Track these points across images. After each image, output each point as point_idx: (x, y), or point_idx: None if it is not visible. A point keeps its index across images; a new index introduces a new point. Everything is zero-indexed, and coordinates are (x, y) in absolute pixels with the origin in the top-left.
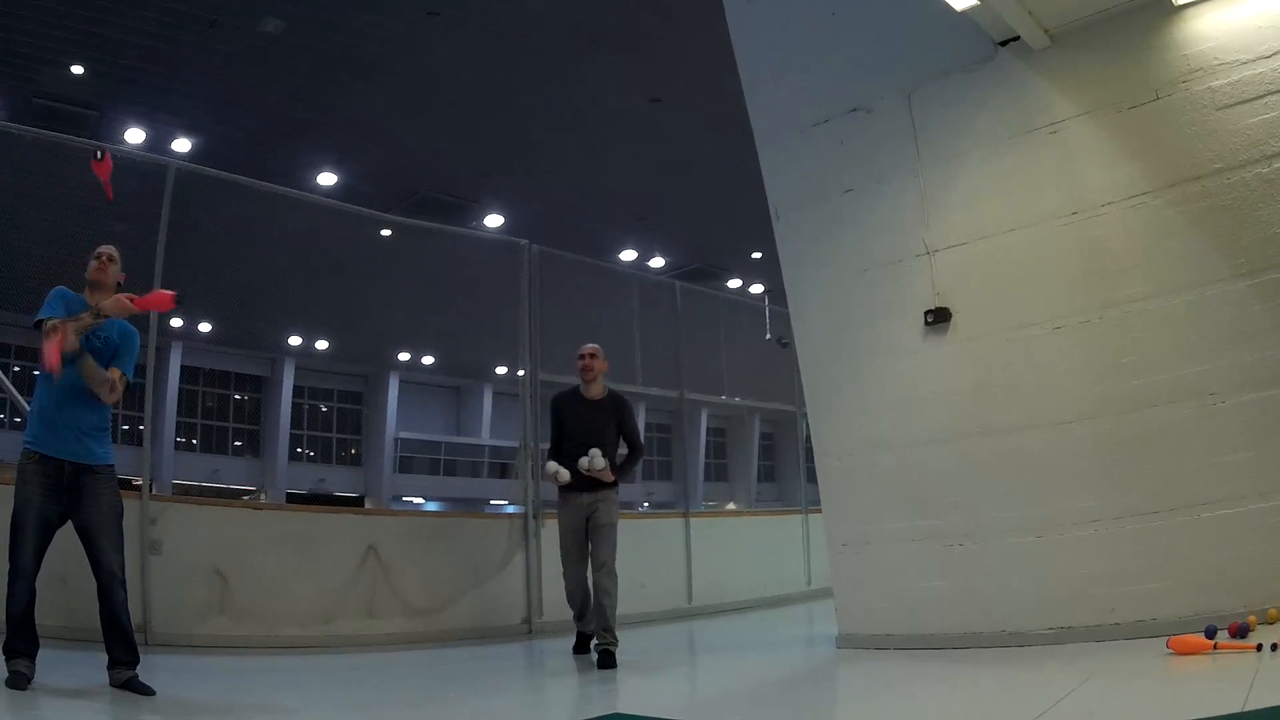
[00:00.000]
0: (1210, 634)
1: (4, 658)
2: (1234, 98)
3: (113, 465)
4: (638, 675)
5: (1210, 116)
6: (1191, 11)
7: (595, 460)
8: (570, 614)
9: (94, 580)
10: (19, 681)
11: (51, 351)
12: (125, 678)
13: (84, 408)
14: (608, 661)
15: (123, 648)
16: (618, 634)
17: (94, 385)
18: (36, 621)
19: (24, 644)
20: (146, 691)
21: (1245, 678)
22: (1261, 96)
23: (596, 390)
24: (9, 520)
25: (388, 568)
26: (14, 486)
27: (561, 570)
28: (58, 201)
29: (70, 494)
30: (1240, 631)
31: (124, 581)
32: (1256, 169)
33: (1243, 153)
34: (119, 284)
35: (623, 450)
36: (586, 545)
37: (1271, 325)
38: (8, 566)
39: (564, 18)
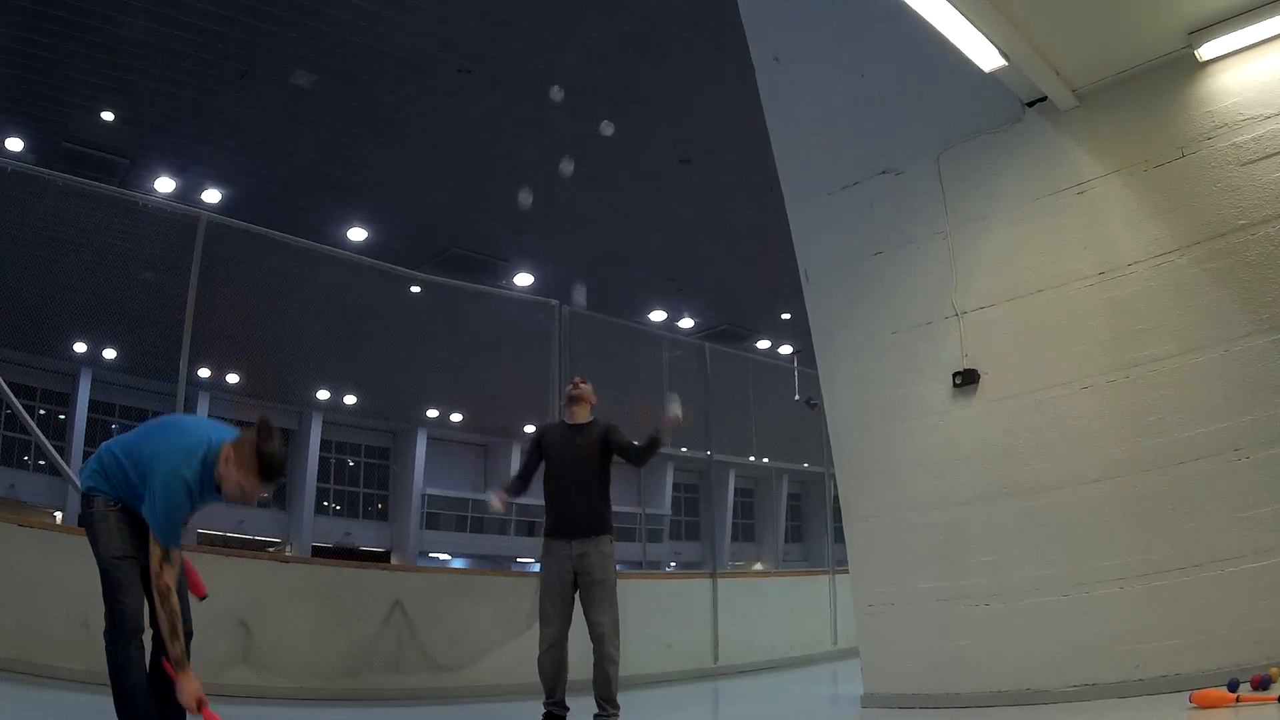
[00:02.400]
0: (1233, 687)
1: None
2: (1258, 153)
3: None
4: None
5: (1234, 172)
6: (1216, 66)
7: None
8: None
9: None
10: None
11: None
12: None
13: None
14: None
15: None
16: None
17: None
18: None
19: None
20: None
21: None
22: None
23: (582, 416)
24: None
25: (413, 623)
26: (95, 538)
27: (540, 631)
28: (88, 246)
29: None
30: (1262, 683)
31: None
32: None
33: (1266, 207)
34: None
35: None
36: (570, 604)
37: None
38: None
39: (595, 78)
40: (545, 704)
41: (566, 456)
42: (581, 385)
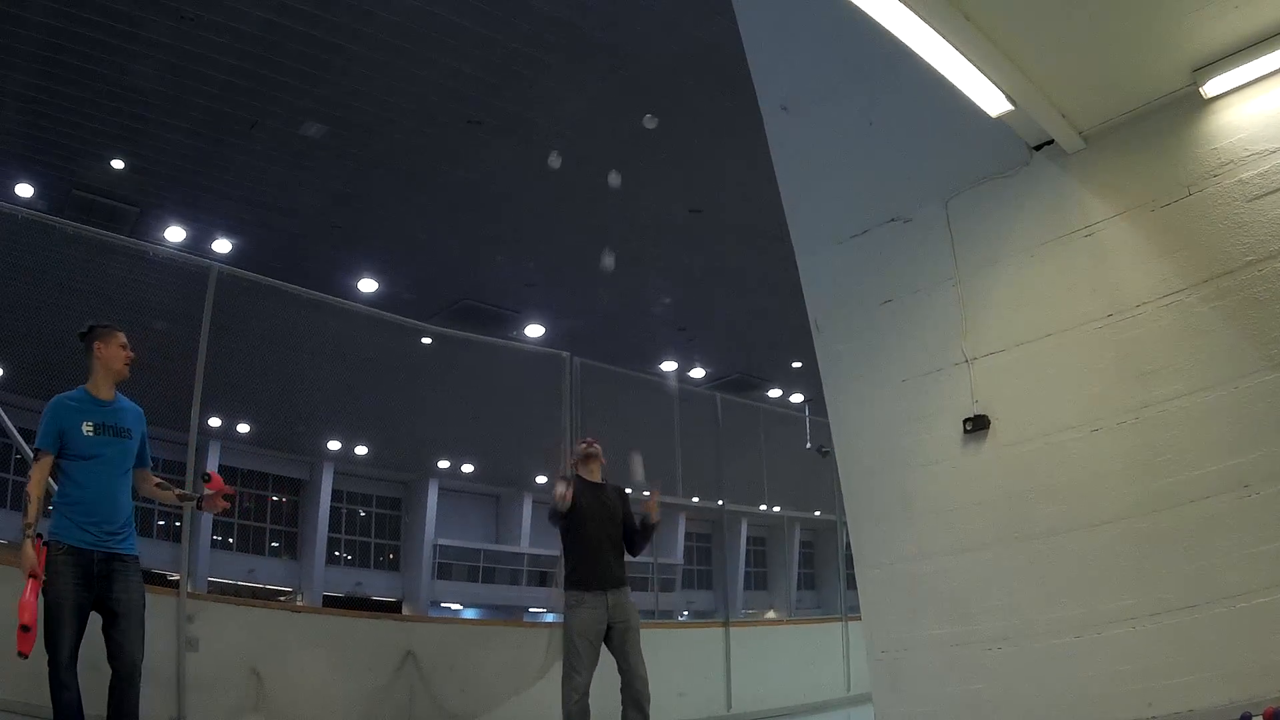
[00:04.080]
0: None
1: None
2: (1264, 188)
3: (138, 556)
4: None
5: (1241, 209)
6: (1221, 103)
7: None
8: None
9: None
10: None
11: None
12: None
13: (116, 505)
14: None
15: None
16: None
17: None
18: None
19: None
20: None
21: None
22: None
23: (597, 475)
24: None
25: (425, 673)
26: (46, 581)
27: (565, 679)
28: (98, 295)
29: (102, 582)
30: (1275, 716)
31: (140, 673)
32: None
33: (1273, 243)
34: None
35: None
36: (599, 653)
37: None
38: (48, 660)
39: (605, 129)
40: None
41: (597, 512)
42: (595, 444)
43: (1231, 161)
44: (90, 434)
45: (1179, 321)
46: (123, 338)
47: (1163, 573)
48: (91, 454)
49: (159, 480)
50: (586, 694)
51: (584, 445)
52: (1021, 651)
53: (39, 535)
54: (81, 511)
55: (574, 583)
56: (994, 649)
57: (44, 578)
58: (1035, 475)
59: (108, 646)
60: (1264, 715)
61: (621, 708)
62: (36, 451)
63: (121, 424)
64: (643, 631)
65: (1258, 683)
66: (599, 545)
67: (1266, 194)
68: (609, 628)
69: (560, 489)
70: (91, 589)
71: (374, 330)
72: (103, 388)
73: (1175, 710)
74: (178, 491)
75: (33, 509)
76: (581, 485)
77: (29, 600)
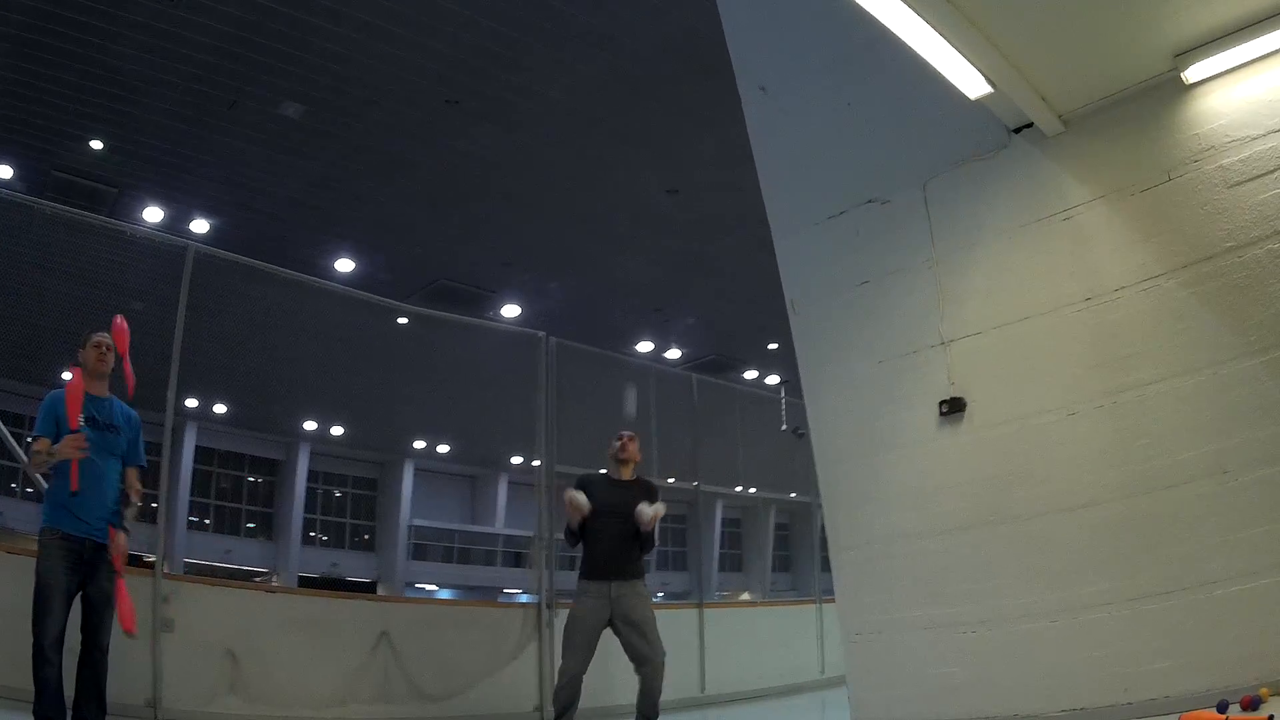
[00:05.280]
0: (1222, 709)
1: None
2: (1245, 174)
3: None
4: None
5: (1221, 195)
6: (1203, 89)
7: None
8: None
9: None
10: None
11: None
12: None
13: (104, 496)
14: None
15: (94, 707)
16: None
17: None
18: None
19: (56, 710)
20: None
21: None
22: (1272, 171)
23: (628, 474)
24: (29, 592)
25: (400, 654)
26: (36, 562)
27: (563, 663)
28: (77, 276)
29: (89, 568)
30: (1252, 704)
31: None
32: (1268, 245)
33: (1254, 229)
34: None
35: None
36: (596, 642)
37: None
38: (32, 639)
39: (583, 111)
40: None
41: (613, 505)
42: (630, 445)
43: (1212, 147)
44: (82, 425)
45: (1158, 306)
46: (96, 338)
47: (1141, 558)
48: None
49: (137, 488)
50: (576, 681)
51: (619, 447)
52: (997, 635)
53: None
54: (76, 503)
55: (581, 572)
56: (970, 632)
57: (37, 560)
58: (1012, 458)
59: (82, 630)
60: (1241, 703)
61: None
62: (36, 438)
63: (111, 420)
64: None
65: (1235, 671)
66: (607, 538)
67: (1248, 180)
68: (611, 619)
69: (572, 505)
70: (79, 574)
71: (350, 310)
72: (94, 386)
73: (1152, 696)
74: (134, 505)
75: (36, 472)
76: (605, 483)
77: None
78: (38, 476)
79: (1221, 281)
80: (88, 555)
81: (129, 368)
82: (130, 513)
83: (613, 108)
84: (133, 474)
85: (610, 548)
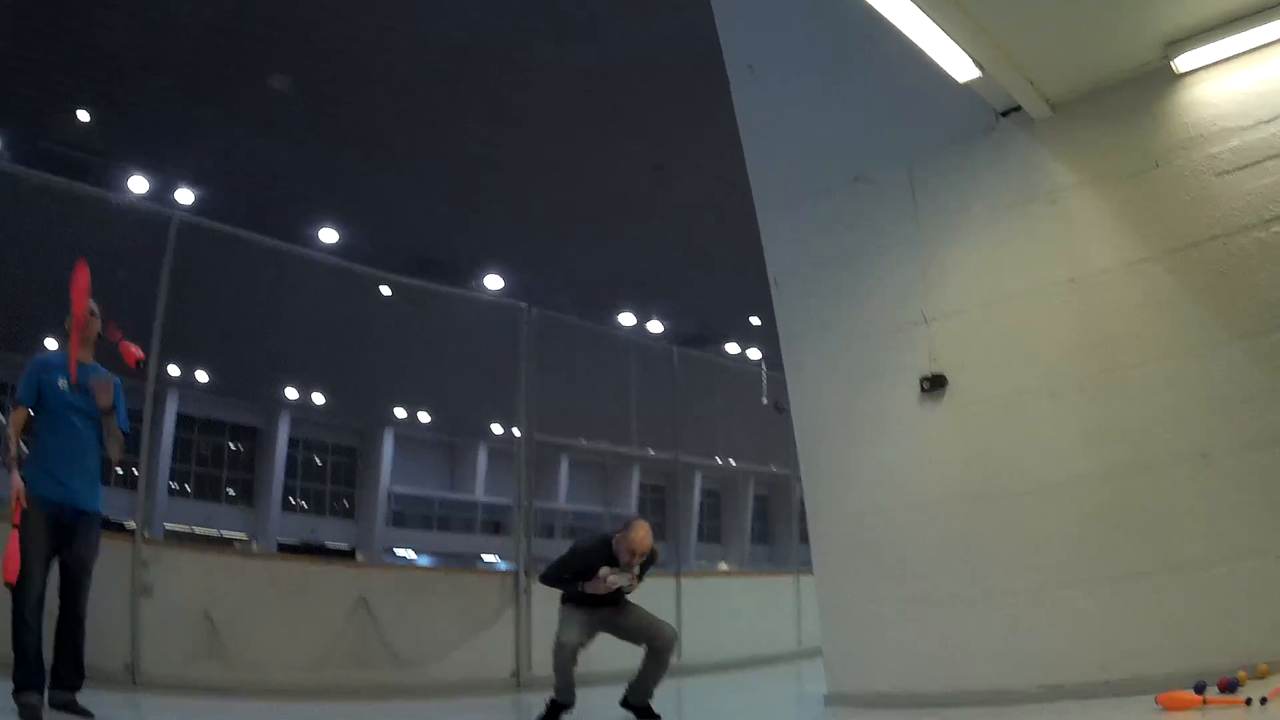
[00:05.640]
0: (1199, 690)
1: (15, 691)
2: (1233, 164)
3: (100, 512)
4: None
5: (1209, 183)
6: (1193, 79)
7: (611, 578)
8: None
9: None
10: (34, 714)
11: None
12: (66, 700)
13: (85, 460)
14: (654, 716)
15: (73, 672)
16: None
17: (111, 444)
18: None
19: (35, 677)
20: (85, 715)
21: None
22: (1260, 161)
23: (635, 562)
24: None
25: (378, 619)
26: (19, 527)
27: (558, 637)
28: (63, 245)
29: (66, 533)
30: (1230, 687)
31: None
32: (1254, 234)
33: (1241, 218)
34: (99, 335)
35: None
36: (597, 628)
37: (1267, 388)
38: (12, 605)
39: (569, 86)
40: (558, 698)
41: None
42: (640, 550)
43: (1201, 136)
44: (65, 390)
45: (1142, 290)
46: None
47: (1120, 539)
48: (64, 410)
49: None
50: (575, 653)
51: (628, 545)
52: (975, 611)
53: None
54: (53, 465)
55: (569, 598)
56: (945, 607)
57: (17, 524)
58: (992, 437)
59: (60, 596)
60: (1218, 685)
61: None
62: (16, 404)
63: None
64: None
65: (1213, 652)
66: (601, 596)
67: (1236, 169)
68: (607, 628)
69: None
70: (57, 538)
71: (333, 281)
72: (81, 352)
73: (1129, 676)
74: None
75: (12, 445)
76: (603, 556)
77: (13, 550)
78: (6, 440)
79: (1207, 269)
80: (67, 521)
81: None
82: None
83: (600, 87)
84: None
85: (602, 599)
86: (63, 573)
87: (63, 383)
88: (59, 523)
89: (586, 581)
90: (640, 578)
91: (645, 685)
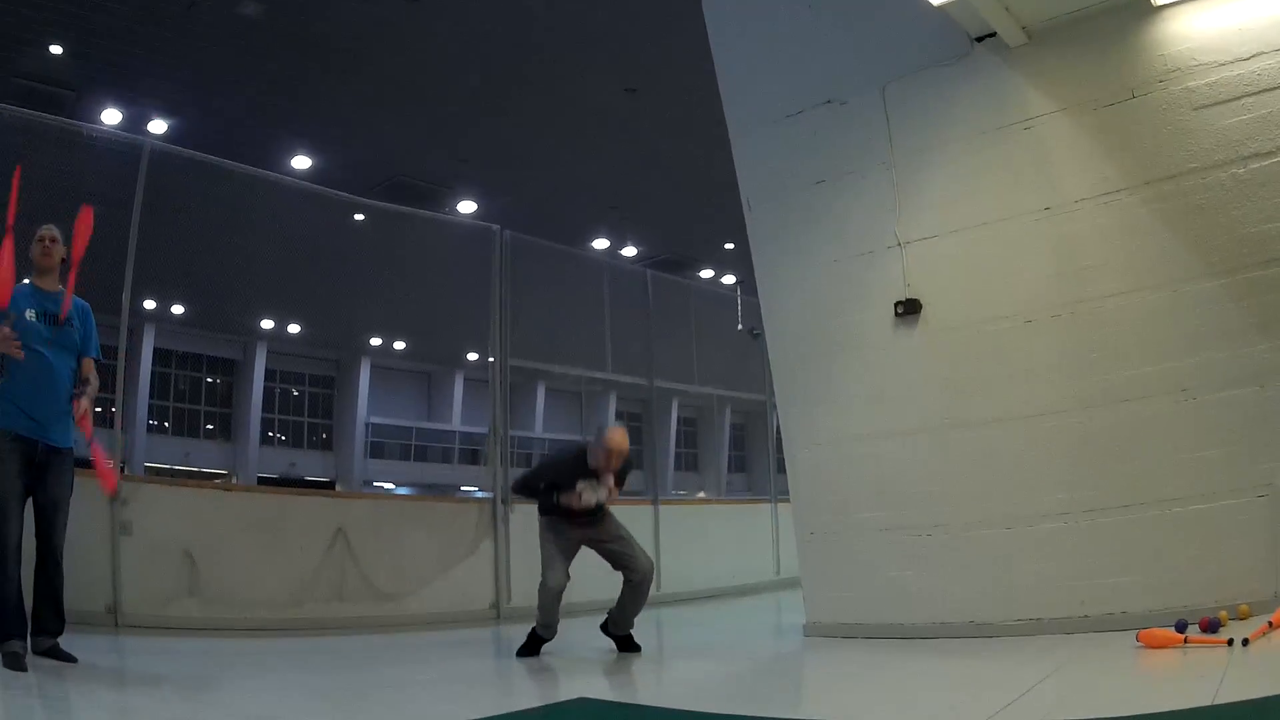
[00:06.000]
0: (1181, 628)
1: None
2: (1211, 99)
3: (73, 449)
4: (605, 662)
5: (1186, 116)
6: (1170, 12)
7: (587, 494)
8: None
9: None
10: (18, 662)
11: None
12: (48, 645)
13: (57, 392)
14: (634, 646)
15: (53, 617)
16: None
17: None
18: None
19: (17, 625)
20: (69, 659)
21: (1215, 672)
22: (1239, 98)
23: (610, 468)
24: None
25: (356, 552)
26: None
27: (543, 577)
28: (32, 182)
29: (38, 471)
30: (1211, 626)
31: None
32: (1231, 169)
33: (1218, 153)
34: (63, 261)
35: None
36: (575, 552)
37: (1244, 324)
38: None
39: (541, 9)
40: (541, 633)
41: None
42: (616, 462)
43: (1179, 69)
44: (33, 320)
45: (1118, 221)
46: (41, 231)
47: (1098, 472)
48: (34, 342)
49: (86, 379)
50: (559, 590)
51: (602, 456)
52: (952, 540)
53: None
54: (25, 398)
55: (549, 511)
56: (923, 536)
57: None
58: (967, 363)
59: (36, 537)
60: (1200, 624)
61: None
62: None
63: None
64: None
65: (1194, 591)
66: (576, 511)
67: (1213, 104)
68: (586, 542)
69: (577, 497)
70: (30, 477)
71: (307, 207)
72: (42, 280)
73: (1108, 611)
74: (84, 401)
75: None
76: (584, 475)
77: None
78: None
79: (1183, 201)
80: (39, 458)
81: (75, 268)
82: (84, 402)
83: (570, 4)
84: (88, 364)
85: (580, 513)
86: (37, 514)
87: (31, 313)
88: (31, 461)
89: (563, 494)
90: (620, 485)
91: (624, 616)
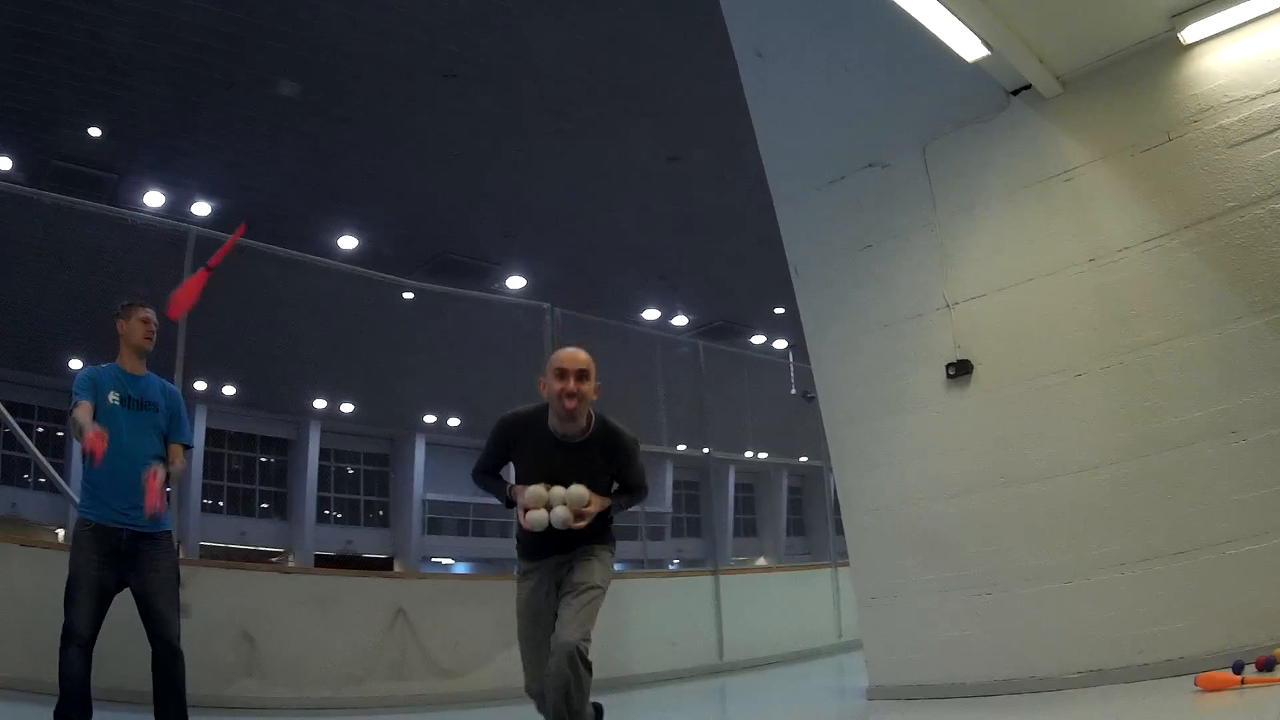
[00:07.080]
0: (1237, 669)
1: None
2: (1245, 134)
3: (170, 531)
4: None
5: (1222, 155)
6: (1200, 49)
7: (558, 515)
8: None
9: (147, 646)
10: None
11: (151, 494)
12: None
13: (138, 478)
14: None
15: (173, 713)
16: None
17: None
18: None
19: (80, 712)
20: None
21: (1272, 710)
22: (1272, 131)
23: (575, 429)
24: (49, 584)
25: (417, 629)
26: (70, 555)
27: (525, 678)
28: (77, 263)
29: (128, 560)
30: (1267, 665)
31: (180, 649)
32: (1269, 204)
33: (1255, 189)
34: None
35: None
36: (547, 630)
37: None
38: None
39: (580, 79)
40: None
41: (549, 473)
42: (578, 384)
43: (1211, 108)
44: (115, 403)
45: (1161, 266)
46: (144, 312)
47: (1151, 518)
48: (116, 425)
49: (179, 462)
50: (541, 695)
51: (559, 385)
52: (1010, 596)
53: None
54: (105, 485)
55: (526, 551)
56: (982, 594)
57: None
58: (1019, 420)
59: (145, 626)
60: (1255, 664)
61: None
62: (77, 403)
63: (146, 397)
64: (634, 581)
65: (1249, 630)
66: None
67: (1248, 140)
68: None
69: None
70: (117, 568)
71: (355, 287)
72: (129, 362)
73: (1166, 658)
74: (160, 470)
75: (87, 426)
76: (544, 444)
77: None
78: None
79: (1224, 241)
80: (124, 547)
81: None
82: (160, 471)
83: (610, 73)
84: (175, 449)
85: (546, 534)
86: (137, 604)
87: (114, 397)
88: (114, 550)
89: (513, 491)
90: (623, 491)
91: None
